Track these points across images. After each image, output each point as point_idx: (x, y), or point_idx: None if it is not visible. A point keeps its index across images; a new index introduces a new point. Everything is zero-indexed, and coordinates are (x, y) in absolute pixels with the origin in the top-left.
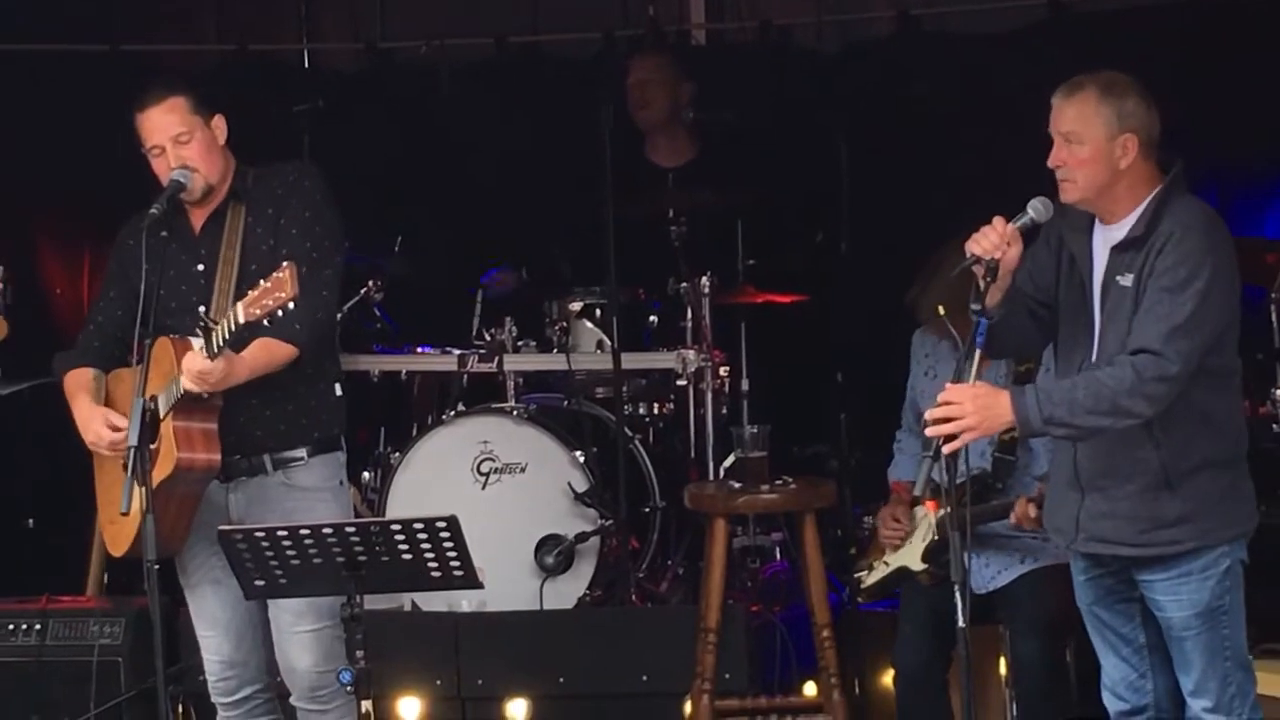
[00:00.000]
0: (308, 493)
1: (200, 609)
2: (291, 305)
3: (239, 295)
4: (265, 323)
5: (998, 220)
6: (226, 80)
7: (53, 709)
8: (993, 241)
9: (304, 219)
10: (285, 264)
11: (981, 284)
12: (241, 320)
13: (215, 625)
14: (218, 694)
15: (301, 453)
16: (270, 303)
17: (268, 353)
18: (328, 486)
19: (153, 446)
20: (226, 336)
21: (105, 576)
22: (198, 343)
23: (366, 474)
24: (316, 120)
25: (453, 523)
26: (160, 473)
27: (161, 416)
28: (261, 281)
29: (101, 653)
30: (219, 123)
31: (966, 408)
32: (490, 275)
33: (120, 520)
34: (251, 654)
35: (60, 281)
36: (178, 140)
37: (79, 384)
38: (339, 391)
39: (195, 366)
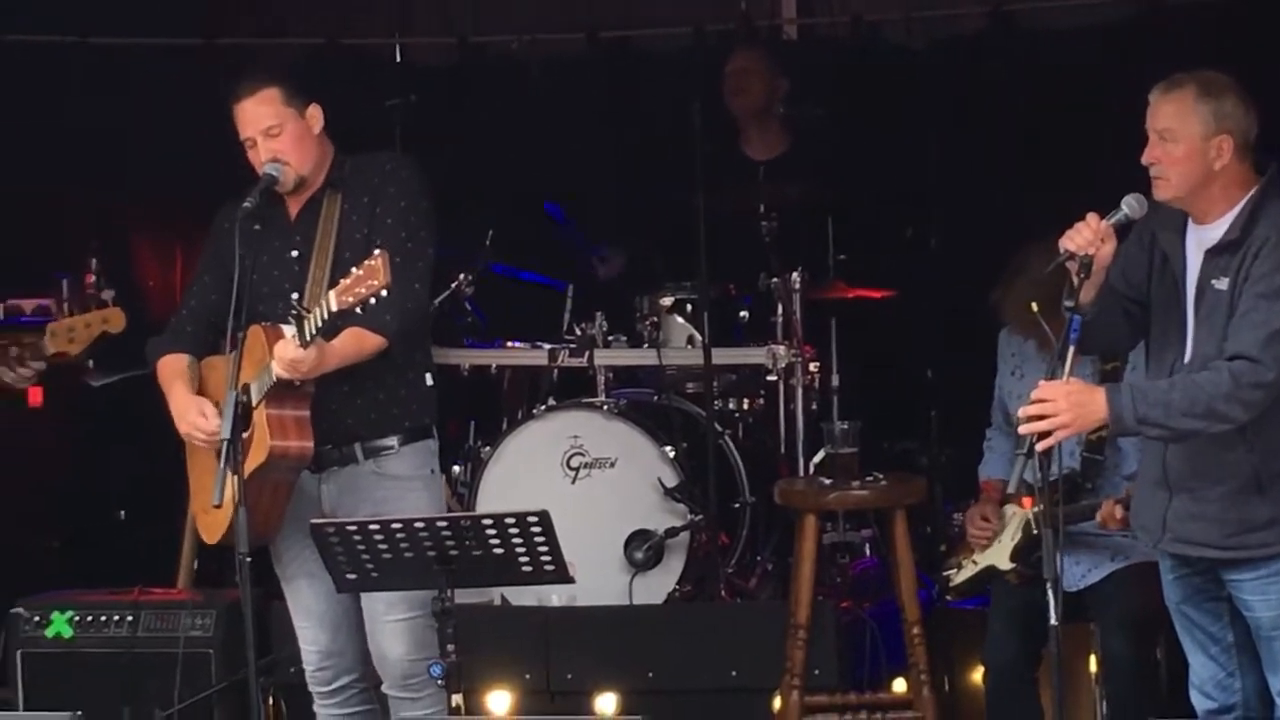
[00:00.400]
0: (399, 481)
1: (297, 600)
2: (384, 294)
3: (333, 283)
4: (357, 311)
5: (1092, 216)
6: (318, 74)
7: (144, 701)
8: (1086, 238)
9: (399, 208)
10: (377, 252)
11: (1075, 280)
12: (334, 308)
13: (311, 616)
14: (315, 683)
15: (393, 441)
16: (363, 290)
17: (358, 342)
18: (419, 475)
19: (245, 434)
20: (319, 325)
21: (195, 568)
22: (290, 330)
23: (457, 467)
24: (409, 115)
25: (544, 517)
26: (254, 460)
27: (254, 404)
28: (354, 270)
29: (192, 644)
30: (314, 112)
31: (1060, 405)
32: (597, 252)
33: (214, 509)
34: (348, 644)
35: (153, 274)
36: (268, 133)
37: (174, 371)
38: (430, 382)
39: (288, 355)
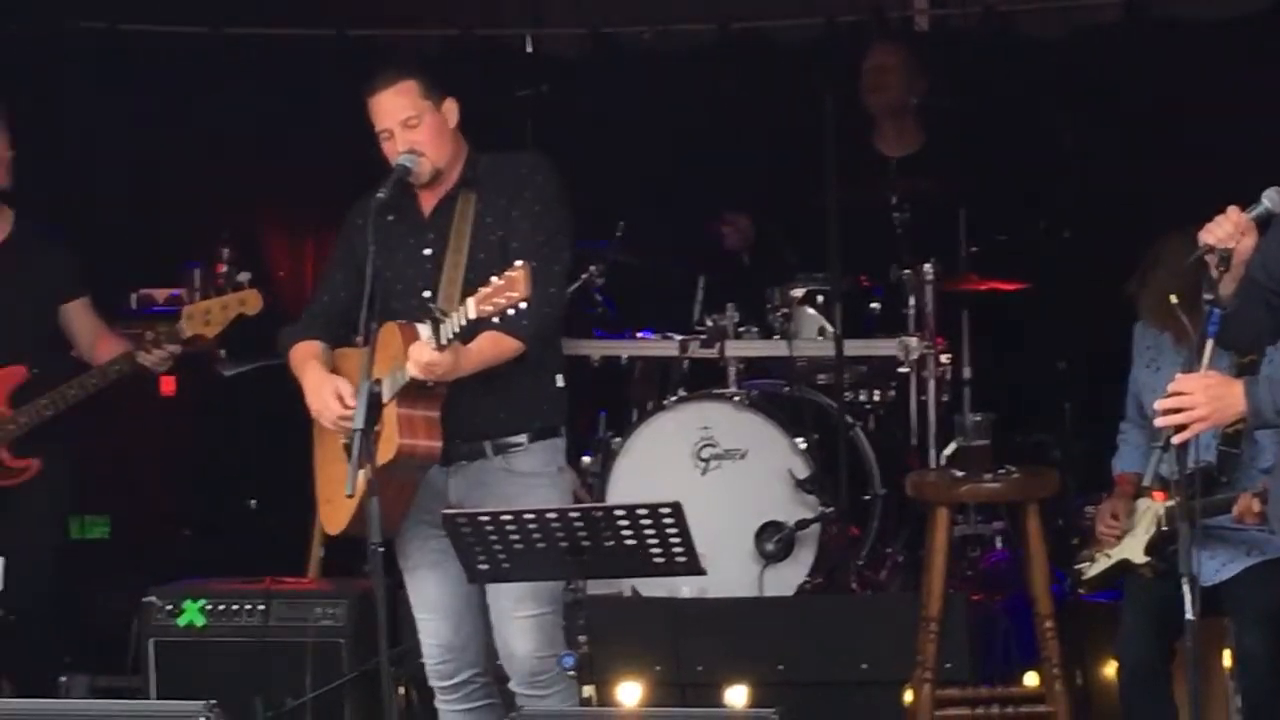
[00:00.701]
0: (526, 478)
1: (419, 592)
2: (523, 305)
3: (467, 283)
4: (495, 320)
5: (1232, 210)
6: (450, 65)
7: (275, 690)
8: (1227, 231)
9: (535, 212)
10: (520, 263)
11: (1214, 273)
12: (472, 316)
13: (433, 609)
14: (435, 678)
15: (522, 438)
16: (502, 301)
17: (495, 346)
18: (546, 472)
19: (375, 430)
20: (456, 330)
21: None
22: (424, 330)
23: (586, 458)
24: (540, 106)
25: (676, 509)
26: (382, 457)
27: (385, 402)
28: (494, 278)
29: (323, 634)
30: (450, 106)
31: (1198, 398)
32: (723, 219)
33: (336, 500)
34: (470, 638)
35: (284, 265)
36: (406, 124)
37: (309, 352)
38: (560, 383)
39: (424, 357)
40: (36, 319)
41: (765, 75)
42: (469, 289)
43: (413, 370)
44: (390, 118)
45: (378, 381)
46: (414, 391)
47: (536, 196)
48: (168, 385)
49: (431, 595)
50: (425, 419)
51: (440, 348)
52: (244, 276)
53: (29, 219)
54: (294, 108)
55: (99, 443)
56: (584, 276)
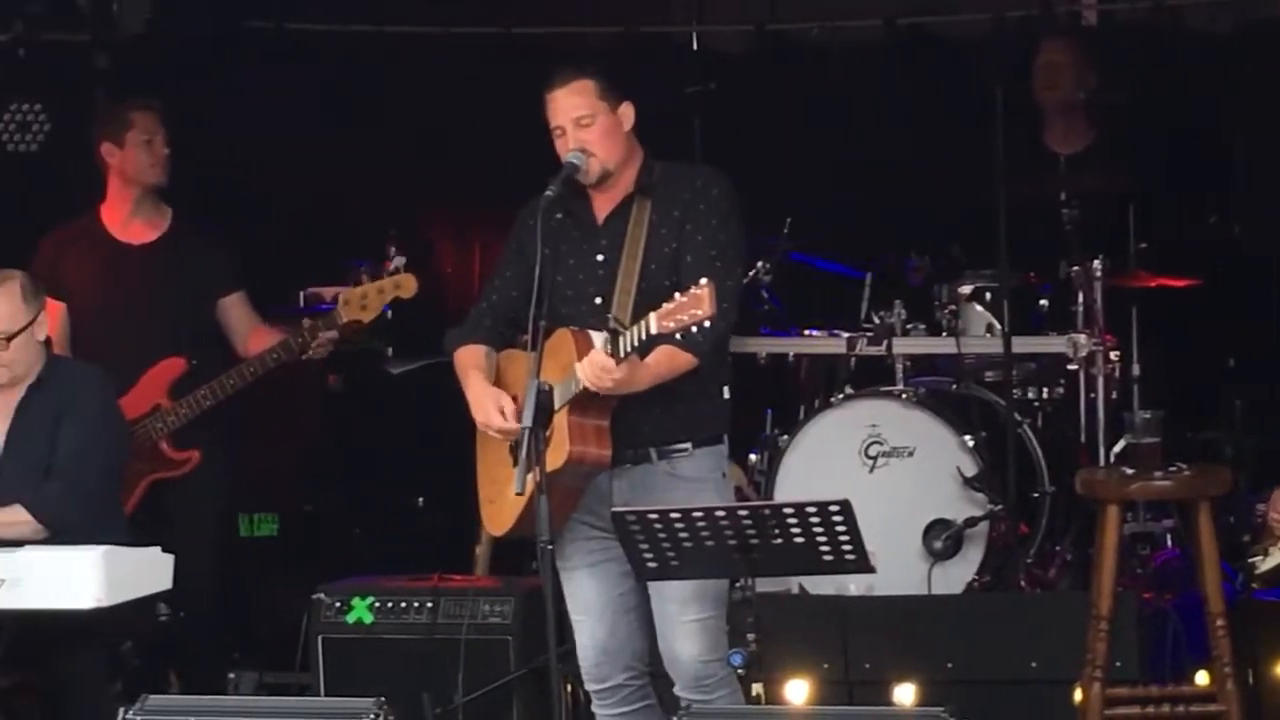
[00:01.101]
0: (690, 483)
1: (575, 593)
2: (707, 324)
3: (639, 294)
4: (677, 337)
5: None
6: (616, 62)
7: (443, 687)
8: None
9: (710, 227)
10: (704, 281)
11: None
12: (654, 331)
13: (589, 610)
14: (591, 680)
15: (686, 444)
16: (685, 318)
17: (670, 361)
18: (710, 477)
19: (545, 434)
20: (635, 344)
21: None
22: (598, 338)
23: (753, 456)
24: (707, 102)
25: (845, 507)
26: (552, 464)
27: (556, 408)
28: (678, 295)
29: (491, 631)
30: (626, 110)
31: None
32: (910, 265)
33: (500, 499)
34: (625, 642)
35: (451, 262)
36: (579, 123)
37: (471, 361)
38: (726, 395)
39: (601, 370)
40: (194, 313)
41: (932, 71)
42: (641, 299)
43: (588, 381)
44: (564, 115)
45: (549, 386)
46: (585, 400)
47: (711, 210)
48: (335, 383)
49: (588, 597)
50: (596, 427)
51: (618, 360)
52: (399, 261)
53: (186, 216)
54: (460, 106)
55: (268, 442)
56: (751, 274)
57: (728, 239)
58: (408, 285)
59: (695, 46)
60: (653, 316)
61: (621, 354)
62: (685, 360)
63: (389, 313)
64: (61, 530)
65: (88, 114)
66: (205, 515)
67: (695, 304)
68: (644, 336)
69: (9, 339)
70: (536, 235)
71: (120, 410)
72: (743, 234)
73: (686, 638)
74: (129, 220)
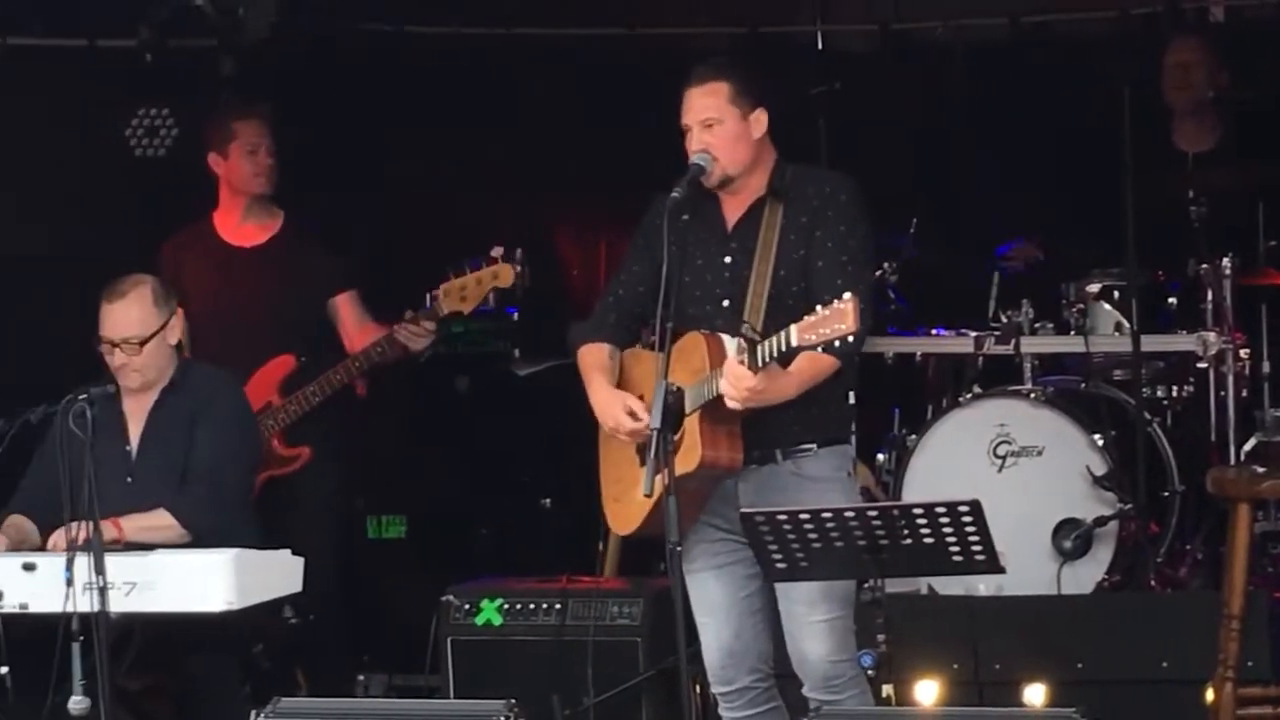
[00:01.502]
0: (816, 483)
1: (701, 595)
2: (850, 339)
3: (770, 300)
4: (819, 349)
5: None
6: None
7: (572, 688)
8: None
9: (839, 233)
10: (848, 295)
11: None
12: (794, 344)
13: (715, 612)
14: (717, 682)
15: (811, 445)
16: (827, 332)
17: (814, 366)
18: (836, 477)
19: (675, 438)
20: (773, 355)
21: (606, 556)
22: (730, 343)
23: (881, 456)
24: (832, 102)
25: (975, 507)
26: (683, 467)
27: (687, 412)
28: (820, 308)
29: (619, 633)
30: (759, 116)
31: None
32: (1009, 247)
33: (625, 499)
34: (751, 643)
35: (576, 262)
36: (705, 124)
37: (596, 362)
38: (851, 400)
39: (742, 385)
40: (304, 312)
41: (1057, 69)
42: (772, 305)
43: (728, 394)
44: (693, 115)
45: (678, 389)
46: (717, 405)
47: (840, 216)
48: (463, 386)
49: (714, 599)
50: (728, 432)
51: (755, 370)
52: (496, 251)
53: (298, 218)
54: (583, 106)
55: (395, 444)
56: (878, 274)
57: (858, 244)
58: (504, 275)
59: (820, 46)
60: (794, 329)
61: (759, 364)
62: (828, 364)
63: (515, 315)
64: (203, 535)
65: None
66: (321, 515)
67: (839, 318)
68: (783, 349)
69: (141, 343)
70: (664, 236)
71: (253, 413)
72: (872, 238)
73: (815, 638)
74: (240, 224)
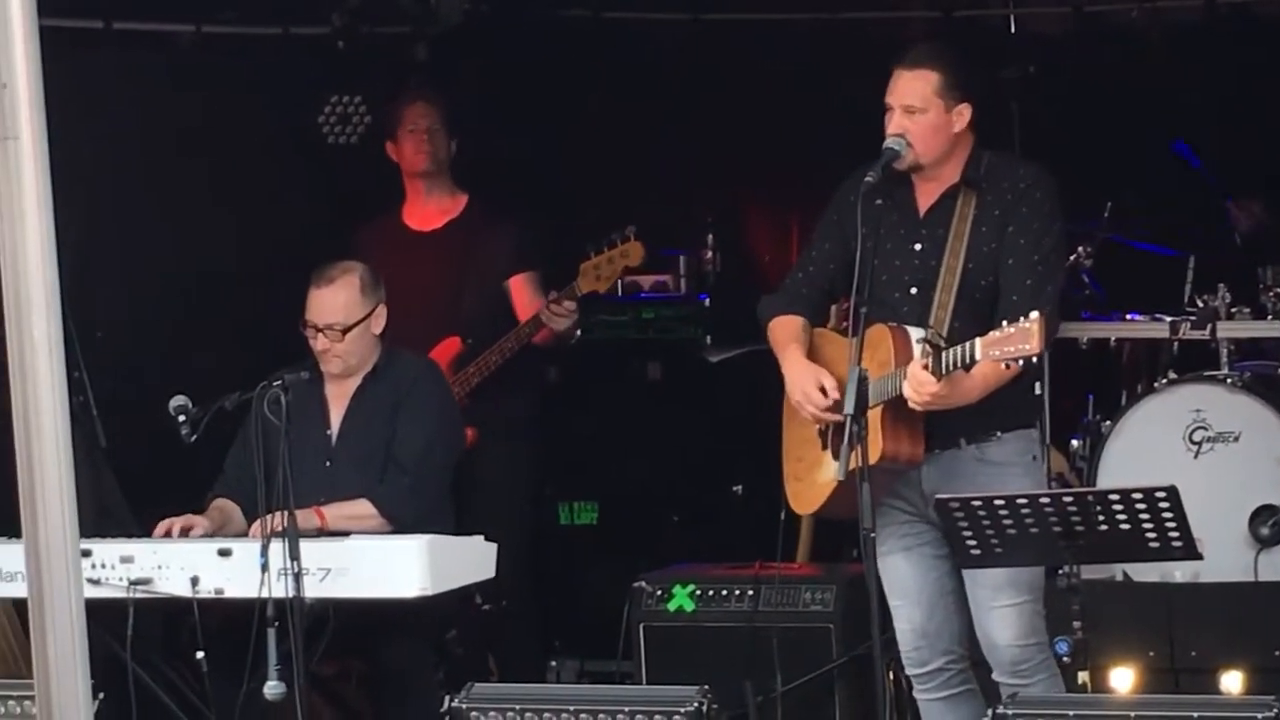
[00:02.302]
0: (1000, 467)
1: (892, 578)
2: (1034, 360)
3: (959, 291)
4: (1004, 366)
5: None
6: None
7: (765, 675)
8: None
9: (1033, 230)
10: (1035, 315)
11: None
12: (977, 357)
13: (906, 594)
14: (911, 665)
15: (995, 431)
16: (1012, 350)
17: (998, 374)
18: (1020, 461)
19: (865, 422)
20: (956, 365)
21: (797, 542)
22: (916, 340)
23: (1075, 442)
24: (1026, 86)
25: (1172, 493)
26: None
27: (870, 405)
28: (1005, 324)
29: (812, 619)
30: (963, 110)
31: None
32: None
33: (807, 479)
34: (944, 625)
35: (767, 249)
36: (907, 109)
37: (790, 334)
38: (1037, 390)
39: (924, 390)
40: (479, 294)
41: (1254, 53)
42: (960, 297)
43: (908, 391)
44: (897, 96)
45: (865, 372)
46: (899, 401)
47: (1033, 214)
48: (654, 372)
49: (904, 581)
50: (910, 426)
51: (939, 377)
52: (629, 229)
53: (480, 201)
54: (775, 90)
55: (587, 431)
56: (1072, 258)
57: (1052, 243)
58: (634, 253)
59: (1012, 29)
60: (979, 343)
61: (942, 372)
62: (1014, 370)
63: (706, 301)
64: (404, 526)
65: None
66: (506, 500)
67: (1024, 338)
68: (966, 361)
69: (345, 330)
70: (855, 215)
71: (455, 403)
72: (1064, 234)
73: (1000, 623)
74: (423, 209)
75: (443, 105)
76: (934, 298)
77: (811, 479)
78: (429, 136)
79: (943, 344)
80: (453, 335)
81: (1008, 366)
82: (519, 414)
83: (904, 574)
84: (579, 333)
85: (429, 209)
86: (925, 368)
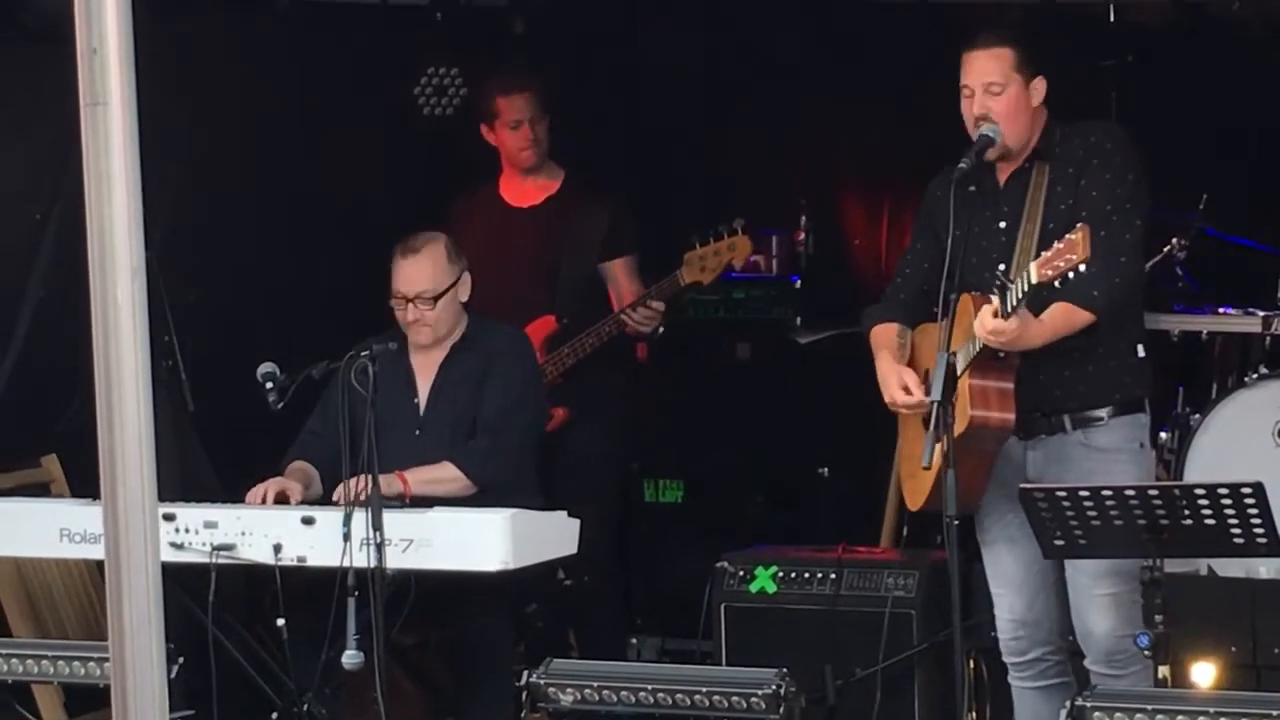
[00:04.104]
0: (1106, 454)
1: (995, 567)
2: (1082, 268)
3: (1039, 255)
4: (1057, 284)
5: None
6: (1033, 33)
7: (845, 659)
8: None
9: (1105, 180)
10: (1079, 225)
11: None
12: (1034, 280)
13: (1009, 584)
14: (1009, 653)
15: (1102, 413)
16: (1061, 264)
17: (1066, 317)
18: (1127, 448)
19: (951, 402)
20: (1020, 296)
21: (904, 530)
22: (995, 300)
23: (1164, 434)
24: (1124, 75)
25: (1258, 489)
26: (956, 429)
27: (959, 373)
28: (1055, 243)
29: (895, 604)
30: (1038, 84)
31: None
32: None
33: (919, 474)
34: (1044, 615)
35: (859, 232)
36: (988, 89)
37: (883, 340)
38: (1141, 353)
39: (988, 324)
40: (573, 273)
41: None
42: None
43: (980, 335)
44: (976, 78)
45: (954, 354)
46: (986, 363)
47: (1106, 165)
48: (744, 352)
49: (1007, 570)
50: (999, 390)
51: (1005, 315)
52: (739, 222)
53: (579, 178)
54: (874, 74)
55: (674, 409)
56: (1166, 250)
57: (1126, 192)
58: (742, 249)
59: (1112, 19)
60: (1032, 266)
61: (1009, 308)
62: (1082, 317)
63: (798, 282)
64: (488, 488)
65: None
66: (592, 478)
67: (1070, 249)
68: (1026, 288)
69: (435, 299)
70: (948, 207)
71: (540, 375)
72: (1144, 183)
73: (1099, 612)
74: (521, 184)
75: (539, 90)
76: (1015, 266)
77: (921, 473)
78: (531, 129)
79: (1009, 283)
80: (547, 314)
81: (1061, 284)
82: (611, 391)
83: (1006, 564)
84: (661, 330)
85: (527, 185)
86: (994, 313)
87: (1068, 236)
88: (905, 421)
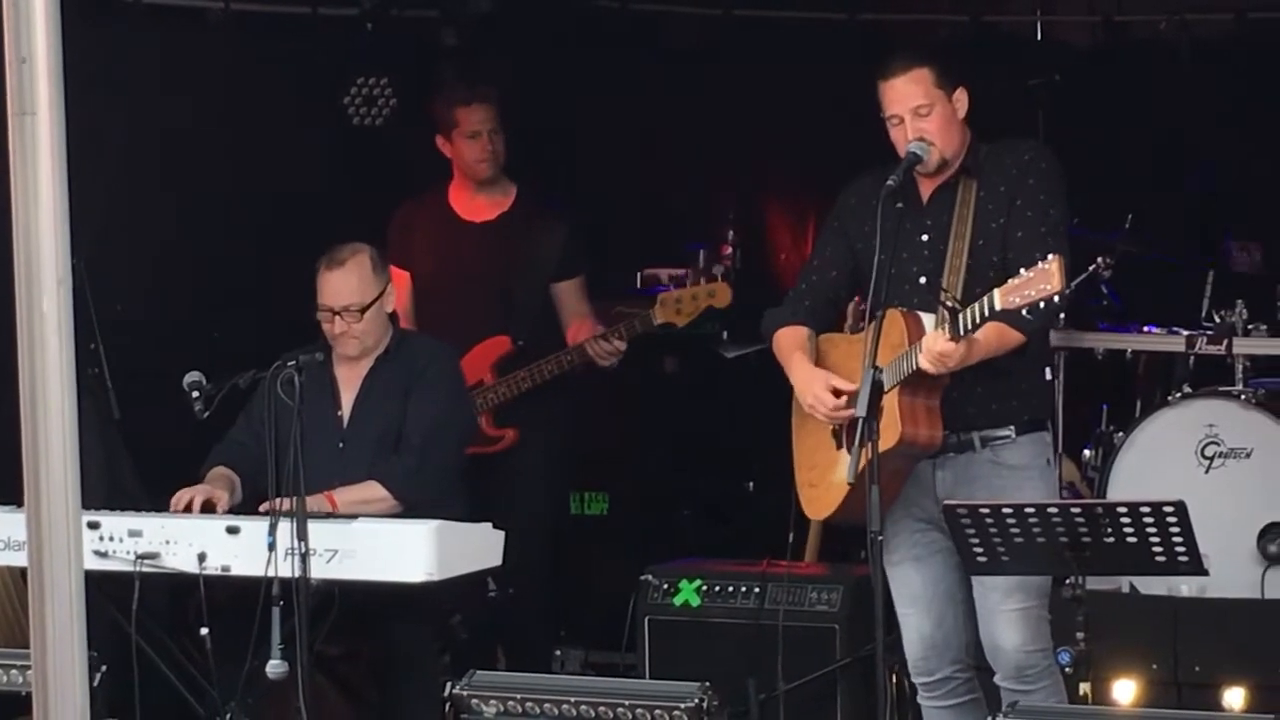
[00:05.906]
0: (1016, 471)
1: (902, 587)
2: (1056, 300)
3: (968, 271)
4: (1025, 313)
5: None
6: (959, 52)
7: (768, 673)
8: None
9: (1039, 202)
10: (1052, 256)
11: None
12: (998, 307)
13: (915, 603)
14: (917, 673)
15: (1009, 431)
16: (1032, 293)
17: (999, 338)
18: (1035, 465)
19: (877, 424)
20: (976, 322)
21: (818, 544)
22: (928, 319)
23: (1087, 451)
24: (1051, 95)
25: (1180, 508)
26: (882, 445)
27: (886, 389)
28: (1024, 271)
29: (817, 619)
30: (960, 96)
31: None
32: (1229, 240)
33: (821, 484)
34: (952, 634)
35: (785, 247)
36: (917, 112)
37: (794, 342)
38: (1048, 376)
39: (937, 348)
40: (527, 293)
41: None
42: (970, 277)
43: (924, 361)
44: (901, 105)
45: (879, 369)
46: (917, 380)
47: (1041, 185)
48: (670, 366)
49: (914, 590)
50: (927, 408)
51: (956, 339)
52: (718, 269)
53: (531, 194)
54: (802, 89)
55: (601, 421)
56: (1091, 268)
57: (1059, 214)
58: (722, 295)
59: (1039, 38)
60: (997, 293)
61: (961, 332)
62: (1014, 339)
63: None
64: (413, 505)
65: (434, 91)
66: (530, 493)
67: (1043, 279)
68: (985, 314)
69: (361, 311)
70: (864, 218)
71: (466, 385)
72: (1069, 206)
73: (1009, 626)
74: (472, 199)
75: (497, 101)
76: (942, 281)
77: (826, 483)
78: (490, 140)
79: (959, 306)
80: (499, 333)
81: (1029, 314)
82: (559, 411)
83: (914, 583)
84: (615, 364)
85: (479, 199)
86: (945, 337)
87: (1039, 266)
88: (802, 429)
